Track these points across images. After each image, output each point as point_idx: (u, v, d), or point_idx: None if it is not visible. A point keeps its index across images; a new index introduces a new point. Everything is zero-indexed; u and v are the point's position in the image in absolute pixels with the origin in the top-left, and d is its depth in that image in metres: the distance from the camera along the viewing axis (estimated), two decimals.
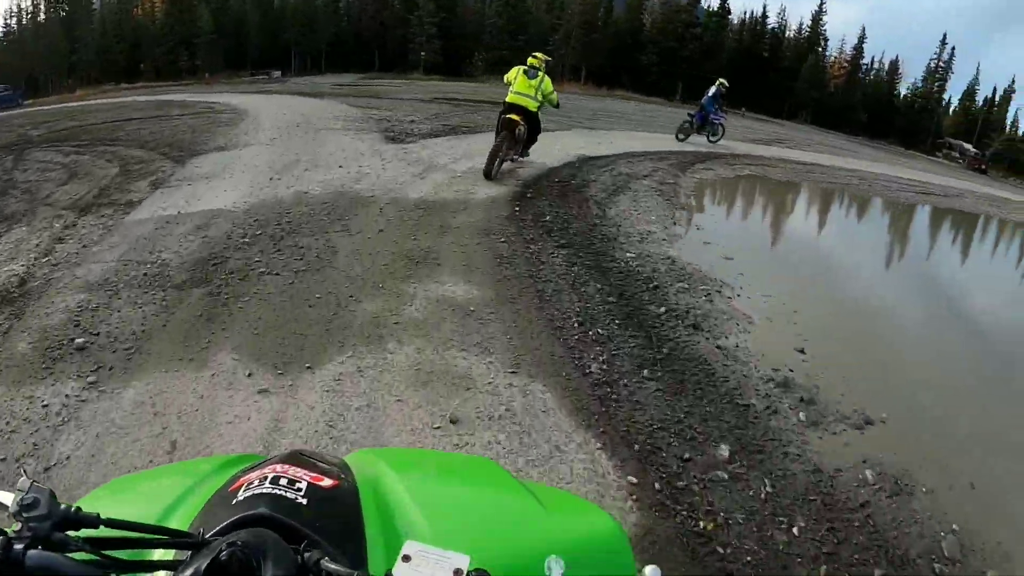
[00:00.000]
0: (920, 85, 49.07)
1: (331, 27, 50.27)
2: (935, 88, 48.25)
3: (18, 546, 0.54)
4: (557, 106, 8.19)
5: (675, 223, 6.84)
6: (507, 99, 7.58)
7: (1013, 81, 48.49)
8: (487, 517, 0.86)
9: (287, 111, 15.24)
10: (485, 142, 10.97)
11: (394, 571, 0.56)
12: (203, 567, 0.56)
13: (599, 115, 22.31)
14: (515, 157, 8.06)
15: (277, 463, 0.78)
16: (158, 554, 0.68)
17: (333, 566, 0.58)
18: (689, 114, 15.08)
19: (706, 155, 13.10)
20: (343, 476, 0.82)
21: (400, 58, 49.77)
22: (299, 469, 0.77)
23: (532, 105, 7.52)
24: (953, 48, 48.89)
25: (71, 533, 0.57)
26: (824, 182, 13.22)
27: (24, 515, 0.56)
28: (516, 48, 49.54)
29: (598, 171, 9.00)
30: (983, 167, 41.90)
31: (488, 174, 7.49)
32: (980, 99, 48.52)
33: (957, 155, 45.39)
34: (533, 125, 7.78)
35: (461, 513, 0.86)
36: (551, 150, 9.92)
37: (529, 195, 6.93)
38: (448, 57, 49.28)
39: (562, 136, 13.32)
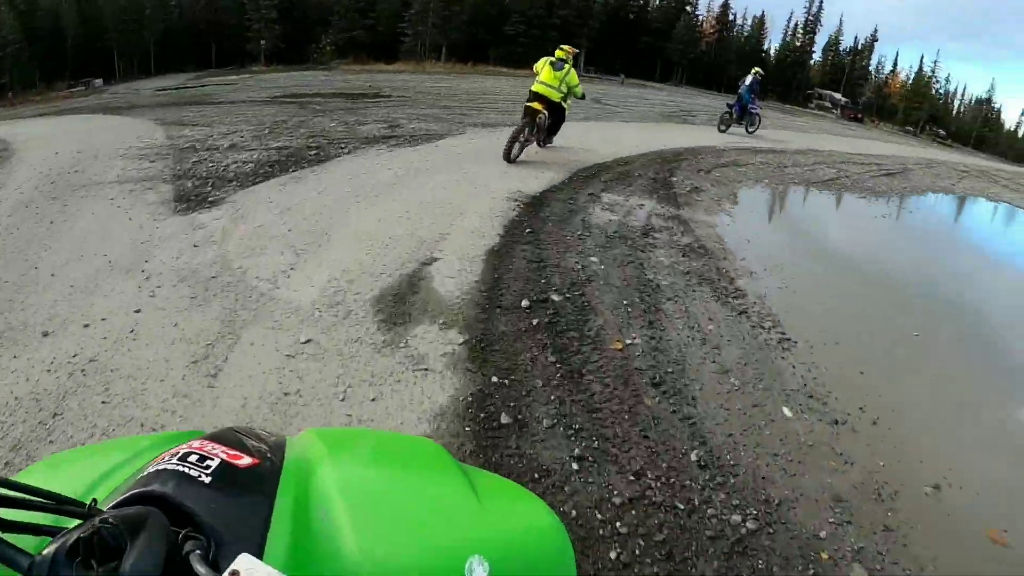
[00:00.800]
0: (786, 39, 49.07)
1: (159, 23, 42.12)
2: (805, 41, 48.34)
3: None
4: (582, 97, 8.27)
5: (825, 409, 3.02)
6: (532, 88, 7.67)
7: (876, 30, 49.57)
8: (414, 510, 0.77)
9: (66, 146, 9.66)
10: (349, 179, 6.66)
11: None
12: (73, 539, 0.52)
13: (478, 99, 18.25)
14: (540, 143, 8.32)
15: (201, 439, 0.71)
16: (46, 519, 0.61)
17: (200, 567, 0.52)
18: (728, 104, 14.76)
19: (661, 160, 9.65)
20: (270, 456, 0.74)
21: (239, 50, 43.18)
22: (218, 446, 0.70)
23: (555, 95, 7.64)
24: (821, 1, 48.92)
25: None
26: (816, 180, 10.26)
27: None
28: (367, 28, 44.37)
29: (572, 240, 4.96)
30: (859, 116, 42.47)
31: (507, 157, 7.55)
32: (844, 49, 49.20)
33: (829, 105, 45.96)
34: (556, 114, 7.98)
35: (387, 505, 0.76)
36: (471, 188, 5.79)
37: (492, 408, 2.72)
38: (292, 44, 43.47)
39: (465, 142, 9.14)
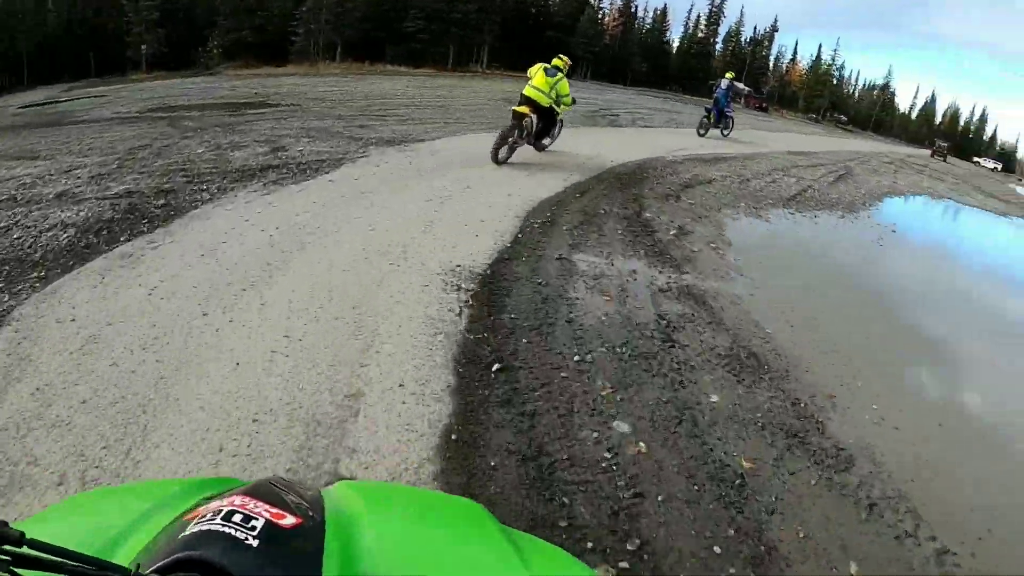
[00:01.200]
0: (687, 31, 49.26)
1: (39, 29, 36.40)
2: (709, 32, 48.61)
3: None
4: (573, 103, 8.16)
5: None
6: (523, 91, 7.67)
7: (776, 20, 50.55)
8: (460, 574, 0.73)
9: None
10: (200, 256, 4.27)
11: None
12: None
13: (378, 105, 15.72)
14: (535, 147, 8.25)
15: (240, 494, 0.69)
16: None
17: None
18: (706, 108, 14.93)
19: (618, 184, 8.14)
20: (311, 514, 0.71)
21: (120, 56, 38.22)
22: (260, 503, 0.67)
23: (544, 100, 7.59)
24: None
25: None
26: (786, 196, 8.95)
27: None
28: (256, 28, 40.38)
29: (571, 378, 3.03)
30: (763, 106, 43.15)
31: (495, 159, 7.53)
32: (745, 40, 49.85)
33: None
34: (546, 120, 7.91)
35: (432, 568, 0.71)
36: (386, 263, 3.69)
37: None
38: (176, 47, 38.84)
39: (368, 170, 6.92)
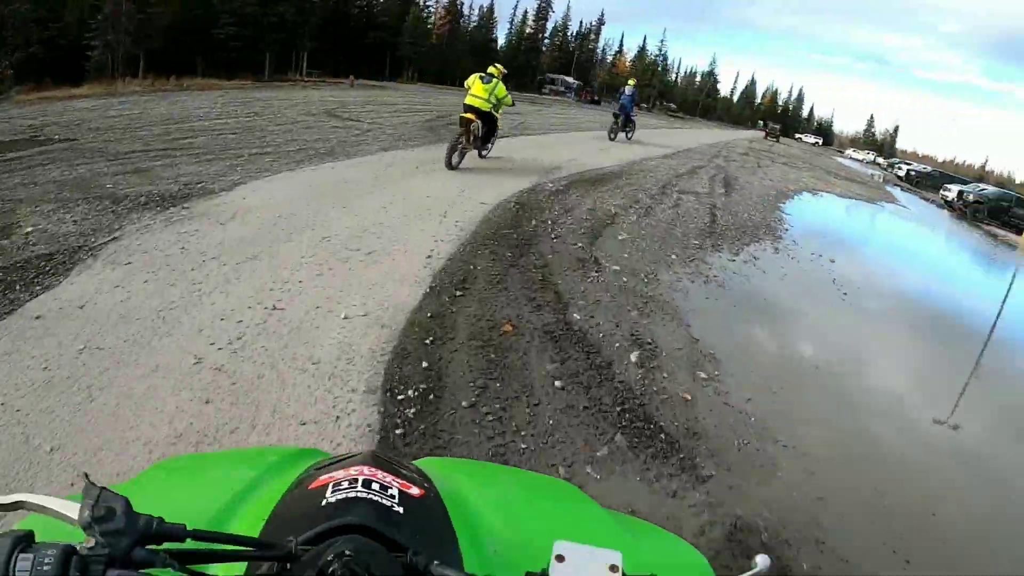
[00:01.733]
0: (513, 27, 48.49)
1: None
2: (538, 28, 48.02)
3: (96, 566, 0.44)
4: (512, 104, 8.91)
5: None
6: (465, 101, 8.28)
7: (602, 14, 51.14)
8: (577, 539, 0.65)
9: None
10: None
11: (550, 571, 0.51)
12: None
13: (175, 132, 10.87)
14: (479, 153, 9.07)
15: (361, 464, 0.66)
16: (241, 567, 0.56)
17: (444, 570, 0.50)
18: (615, 115, 15.81)
19: (502, 247, 5.80)
20: (427, 485, 0.70)
21: None
22: (387, 474, 0.65)
23: (485, 106, 8.25)
24: None
25: (152, 547, 0.47)
26: (699, 230, 7.28)
27: (97, 528, 0.45)
28: (47, 42, 33.03)
29: None
30: (596, 99, 43.47)
31: (448, 165, 8.02)
32: (571, 34, 49.95)
33: (563, 89, 46.44)
34: (489, 124, 8.66)
35: (551, 535, 0.63)
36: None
37: None
38: None
39: (113, 283, 3.66)
